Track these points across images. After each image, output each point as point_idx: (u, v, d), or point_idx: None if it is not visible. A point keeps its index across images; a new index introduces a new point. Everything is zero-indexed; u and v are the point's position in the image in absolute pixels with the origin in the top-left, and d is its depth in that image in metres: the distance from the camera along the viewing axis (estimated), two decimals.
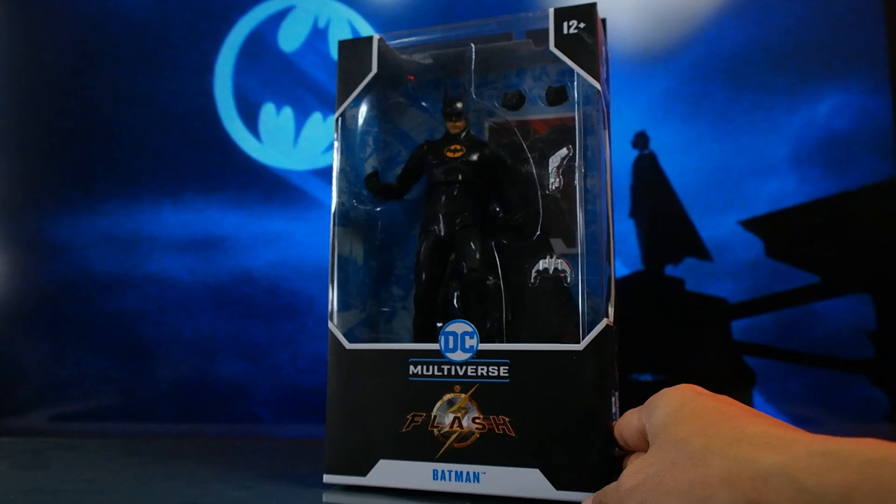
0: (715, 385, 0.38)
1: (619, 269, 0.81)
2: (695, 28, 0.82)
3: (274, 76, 0.93)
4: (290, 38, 0.93)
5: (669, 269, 0.81)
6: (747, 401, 0.77)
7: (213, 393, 0.90)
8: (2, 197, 0.99)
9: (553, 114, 0.57)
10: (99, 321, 0.93)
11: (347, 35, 0.90)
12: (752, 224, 0.79)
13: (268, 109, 0.93)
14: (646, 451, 0.36)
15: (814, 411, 0.76)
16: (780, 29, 0.80)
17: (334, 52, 0.72)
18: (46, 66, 0.99)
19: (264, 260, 0.90)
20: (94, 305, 0.94)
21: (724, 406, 0.33)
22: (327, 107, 0.91)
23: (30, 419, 0.94)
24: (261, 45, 0.93)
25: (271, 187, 0.91)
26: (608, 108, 0.55)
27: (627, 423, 0.41)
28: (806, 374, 0.77)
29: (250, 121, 0.93)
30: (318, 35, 0.92)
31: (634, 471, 0.34)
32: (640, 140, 0.82)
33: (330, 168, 0.59)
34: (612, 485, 0.37)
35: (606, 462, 0.46)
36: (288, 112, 0.92)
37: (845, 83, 0.78)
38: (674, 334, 0.81)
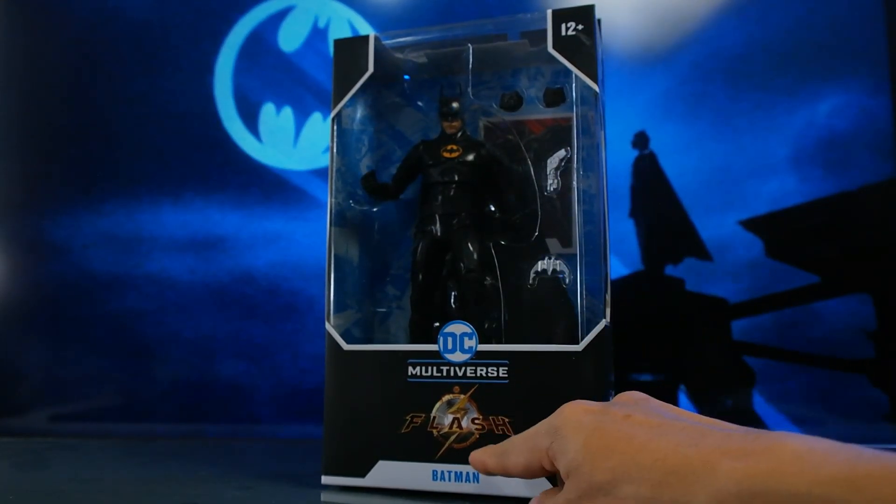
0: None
1: (619, 269, 0.81)
2: (695, 28, 0.82)
3: (274, 76, 0.93)
4: (290, 38, 0.93)
5: (669, 269, 0.81)
6: (747, 401, 0.77)
7: (213, 393, 0.90)
8: (2, 197, 0.99)
9: (548, 114, 0.57)
10: (99, 321, 0.93)
11: (347, 35, 0.90)
12: (752, 224, 0.79)
13: (268, 109, 0.93)
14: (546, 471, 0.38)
15: (814, 411, 0.76)
16: (780, 29, 0.80)
17: None
18: (46, 66, 0.99)
19: (264, 260, 0.90)
20: (94, 305, 0.94)
21: (626, 429, 0.33)
22: (327, 107, 0.91)
23: (30, 419, 0.94)
24: (261, 45, 0.93)
25: (271, 187, 0.91)
26: (603, 108, 0.55)
27: (522, 450, 0.39)
28: (806, 374, 0.76)
29: (250, 121, 0.93)
30: (318, 35, 0.92)
31: None
32: (640, 140, 0.82)
33: None
34: None
35: None
36: (288, 112, 0.92)
37: (845, 83, 0.78)
38: (674, 334, 0.81)
